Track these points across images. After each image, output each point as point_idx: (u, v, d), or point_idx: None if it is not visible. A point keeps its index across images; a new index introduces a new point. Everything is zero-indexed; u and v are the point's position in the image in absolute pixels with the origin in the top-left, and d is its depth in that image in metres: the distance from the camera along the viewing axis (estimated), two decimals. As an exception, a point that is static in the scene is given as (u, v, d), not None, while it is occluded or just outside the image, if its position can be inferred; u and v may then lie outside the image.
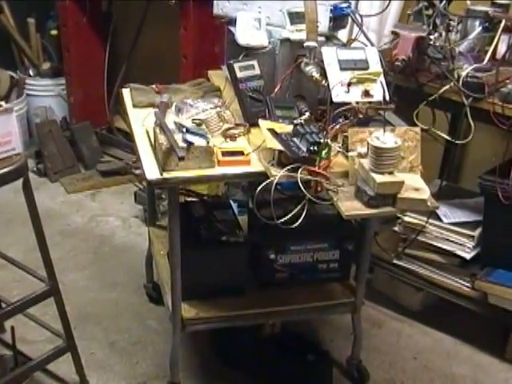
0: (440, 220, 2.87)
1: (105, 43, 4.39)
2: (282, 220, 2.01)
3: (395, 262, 2.97)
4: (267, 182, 1.99)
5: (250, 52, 2.33)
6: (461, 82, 2.46)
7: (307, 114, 2.19)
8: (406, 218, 2.88)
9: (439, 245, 2.87)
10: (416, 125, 2.31)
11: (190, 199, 2.79)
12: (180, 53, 3.62)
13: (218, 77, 2.63)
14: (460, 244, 2.84)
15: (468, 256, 2.83)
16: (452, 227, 2.85)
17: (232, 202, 3.06)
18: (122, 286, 3.26)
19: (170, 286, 2.38)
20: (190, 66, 3.55)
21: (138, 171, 3.74)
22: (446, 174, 3.00)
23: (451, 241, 2.85)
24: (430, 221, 2.83)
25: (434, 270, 2.91)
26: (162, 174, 2.05)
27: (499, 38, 2.58)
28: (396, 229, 2.96)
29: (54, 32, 4.44)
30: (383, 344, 2.96)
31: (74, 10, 4.16)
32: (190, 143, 2.04)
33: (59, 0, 4.15)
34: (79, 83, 4.35)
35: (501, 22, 2.57)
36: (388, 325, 3.08)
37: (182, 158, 1.98)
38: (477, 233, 2.83)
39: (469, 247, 2.83)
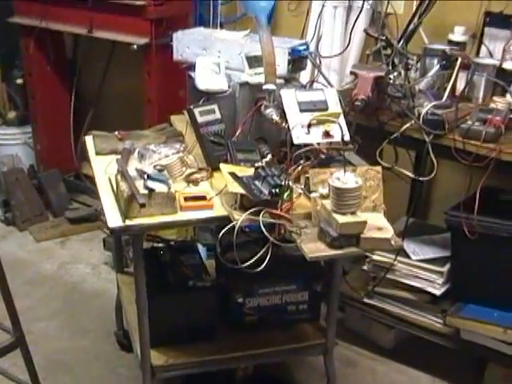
0: (408, 257, 2.87)
1: (70, 90, 4.39)
2: (246, 264, 2.00)
3: (366, 300, 2.95)
4: (230, 225, 1.98)
5: (210, 96, 2.34)
6: (421, 119, 2.48)
7: (269, 156, 2.20)
8: (375, 257, 2.88)
9: (409, 282, 2.87)
10: (379, 163, 2.33)
11: (156, 245, 2.77)
12: (144, 98, 3.63)
13: (180, 121, 2.63)
14: (429, 280, 2.84)
15: (438, 292, 2.83)
16: (421, 264, 2.85)
17: (201, 246, 3.06)
18: (92, 334, 3.22)
19: (138, 332, 2.35)
20: (155, 111, 3.57)
21: (106, 217, 3.72)
22: (412, 210, 3.01)
23: (421, 277, 2.85)
24: (399, 258, 2.83)
25: (405, 308, 2.89)
26: (124, 222, 2.04)
27: (457, 75, 2.62)
28: (365, 267, 2.95)
29: (19, 81, 4.42)
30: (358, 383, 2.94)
31: (38, 59, 4.16)
32: (151, 190, 2.03)
33: (24, 49, 4.15)
34: (45, 131, 4.33)
35: (457, 59, 2.60)
36: (362, 364, 3.06)
37: (143, 205, 1.98)
38: (446, 269, 2.82)
39: (438, 283, 2.83)
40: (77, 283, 3.64)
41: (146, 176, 2.09)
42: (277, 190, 1.95)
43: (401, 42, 2.76)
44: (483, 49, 2.92)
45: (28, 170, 4.37)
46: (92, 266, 3.81)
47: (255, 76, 2.30)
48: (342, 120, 2.18)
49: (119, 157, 2.29)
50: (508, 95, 2.57)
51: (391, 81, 2.58)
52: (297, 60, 2.40)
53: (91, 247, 3.99)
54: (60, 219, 4.24)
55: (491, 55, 2.87)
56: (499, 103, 2.48)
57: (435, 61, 2.69)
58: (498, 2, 2.86)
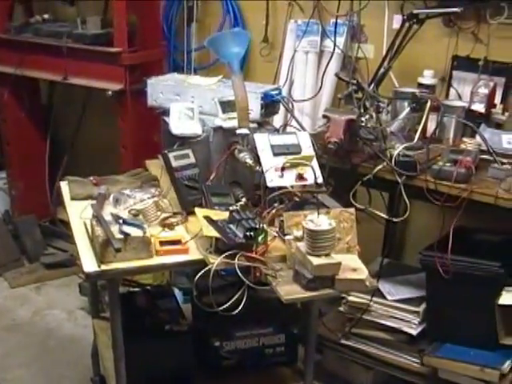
0: (384, 297, 2.87)
1: (46, 135, 4.40)
2: (222, 307, 2.00)
3: (343, 342, 2.95)
4: (205, 269, 1.98)
5: (184, 141, 2.36)
6: (393, 161, 2.51)
7: (243, 199, 2.21)
8: (351, 298, 2.88)
9: (385, 322, 2.86)
10: (352, 205, 2.35)
11: (133, 289, 2.76)
12: (119, 143, 3.65)
13: (155, 166, 2.64)
14: (406, 320, 2.84)
15: (414, 332, 2.82)
16: (396, 304, 2.85)
17: (177, 290, 3.05)
18: (68, 381, 3.19)
19: (115, 378, 2.33)
20: (130, 156, 3.58)
21: (82, 262, 3.70)
22: (387, 251, 3.03)
23: (397, 318, 2.84)
24: (375, 299, 2.83)
25: (382, 348, 2.89)
26: (99, 267, 2.03)
27: (427, 117, 2.67)
28: (341, 309, 2.95)
29: (-6, 127, 4.44)
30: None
31: (13, 106, 4.18)
32: (126, 234, 2.03)
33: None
34: (20, 176, 4.34)
35: (427, 102, 2.66)
36: (341, 406, 3.04)
37: (118, 250, 1.98)
38: (421, 308, 2.83)
39: (415, 323, 2.83)
40: (52, 329, 3.61)
41: (121, 221, 2.09)
42: (251, 233, 1.96)
43: (372, 86, 2.81)
44: (452, 91, 2.99)
45: (3, 216, 4.35)
46: (68, 311, 3.77)
47: (229, 120, 2.33)
48: (315, 163, 2.21)
49: (94, 202, 2.30)
50: (477, 136, 2.61)
51: (363, 124, 2.62)
52: (270, 104, 2.44)
53: (67, 292, 3.96)
54: (35, 265, 4.20)
55: (460, 97, 2.94)
56: (469, 144, 2.53)
57: (406, 103, 2.74)
58: (464, 47, 2.94)
